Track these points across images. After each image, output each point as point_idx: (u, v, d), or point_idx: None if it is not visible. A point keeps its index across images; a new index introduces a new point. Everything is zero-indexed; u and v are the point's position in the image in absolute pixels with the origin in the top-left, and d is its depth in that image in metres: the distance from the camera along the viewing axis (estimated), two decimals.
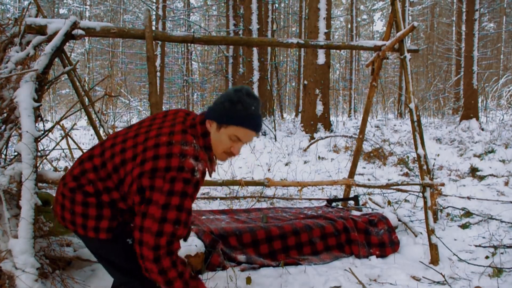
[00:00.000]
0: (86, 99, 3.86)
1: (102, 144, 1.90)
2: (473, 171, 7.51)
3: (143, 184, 1.69)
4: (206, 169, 1.79)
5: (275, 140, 11.06)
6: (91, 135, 11.44)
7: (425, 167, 3.92)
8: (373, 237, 3.83)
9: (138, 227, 1.67)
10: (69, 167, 6.70)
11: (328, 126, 11.57)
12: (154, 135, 1.76)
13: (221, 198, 5.71)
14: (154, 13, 17.63)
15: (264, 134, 12.20)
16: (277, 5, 21.20)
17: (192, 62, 26.18)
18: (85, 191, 1.81)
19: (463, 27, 15.55)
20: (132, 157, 1.75)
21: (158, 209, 1.63)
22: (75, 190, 1.82)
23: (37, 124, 2.81)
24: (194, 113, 1.96)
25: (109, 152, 1.82)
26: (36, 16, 3.33)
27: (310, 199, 5.69)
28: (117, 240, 1.85)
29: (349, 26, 29.64)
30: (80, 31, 3.05)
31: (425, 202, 3.83)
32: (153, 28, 13.42)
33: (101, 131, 4.09)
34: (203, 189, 6.27)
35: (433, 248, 3.61)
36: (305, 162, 8.65)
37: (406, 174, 7.53)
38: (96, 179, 1.81)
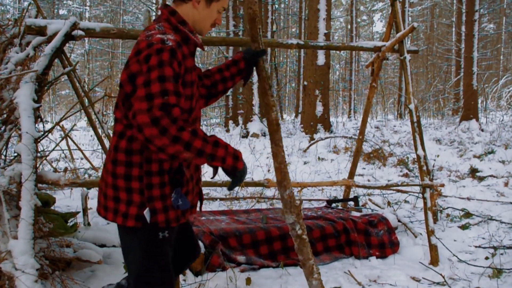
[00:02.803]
0: (86, 100, 3.86)
1: None
2: (473, 172, 7.51)
3: (122, 81, 1.67)
4: (193, 41, 1.81)
5: None
6: (91, 136, 11.44)
7: (425, 168, 3.92)
8: (373, 238, 3.83)
9: (132, 116, 1.59)
10: (69, 168, 6.70)
11: (328, 127, 11.57)
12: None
13: (221, 199, 5.71)
14: (153, 13, 17.65)
15: (264, 135, 12.21)
16: (276, 6, 21.20)
17: None
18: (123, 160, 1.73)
19: (463, 28, 15.56)
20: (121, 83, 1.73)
21: (141, 89, 1.57)
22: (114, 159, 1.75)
23: (37, 125, 2.81)
24: (161, 16, 1.85)
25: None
26: (36, 17, 3.33)
27: (310, 200, 5.69)
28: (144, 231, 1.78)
29: (349, 27, 29.67)
30: (80, 32, 3.05)
31: (425, 203, 3.83)
32: None
33: (100, 132, 4.09)
34: (203, 190, 6.25)
35: (433, 249, 3.61)
36: (305, 163, 8.65)
37: (406, 175, 7.53)
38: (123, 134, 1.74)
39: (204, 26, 1.90)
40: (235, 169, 1.77)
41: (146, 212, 1.73)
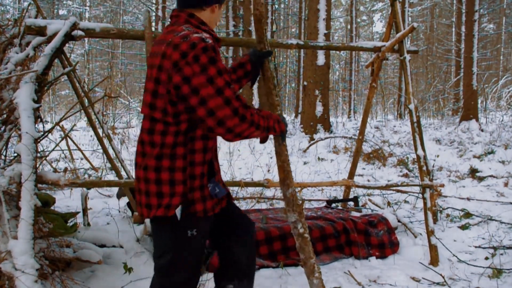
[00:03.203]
0: (86, 100, 3.86)
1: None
2: (473, 172, 7.51)
3: (177, 84, 1.74)
4: (217, 38, 1.97)
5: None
6: (91, 136, 11.43)
7: (424, 168, 3.92)
8: (372, 238, 3.83)
9: (207, 114, 1.73)
10: (69, 168, 6.70)
11: (327, 127, 11.57)
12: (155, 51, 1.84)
13: None
14: (153, 14, 17.65)
15: None
16: (276, 6, 21.21)
17: None
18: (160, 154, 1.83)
19: (463, 28, 15.57)
20: (154, 81, 1.82)
21: (207, 87, 1.71)
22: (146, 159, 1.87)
23: (36, 125, 2.81)
24: (179, 19, 1.94)
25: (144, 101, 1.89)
26: (36, 17, 3.33)
27: (309, 200, 5.69)
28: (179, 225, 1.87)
29: (349, 27, 29.67)
30: (80, 32, 3.05)
31: (425, 203, 3.83)
32: (153, 29, 13.43)
33: (100, 132, 4.09)
34: None
35: (433, 249, 3.61)
36: (304, 163, 8.65)
37: (406, 175, 7.53)
38: (155, 133, 1.84)
39: (213, 26, 2.03)
40: (283, 131, 2.08)
41: (178, 210, 1.83)
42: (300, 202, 2.38)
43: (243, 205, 5.47)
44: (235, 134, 1.79)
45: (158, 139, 1.83)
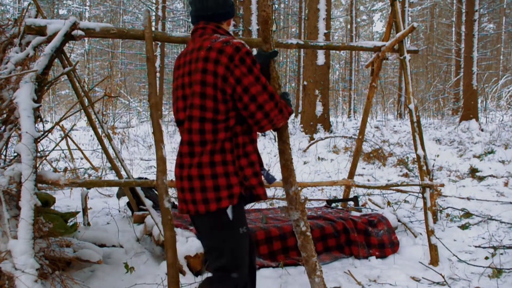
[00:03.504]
0: (86, 100, 3.86)
1: (177, 111, 2.09)
2: (473, 171, 7.51)
3: (232, 85, 1.94)
4: None
5: (275, 141, 11.06)
6: (91, 135, 11.44)
7: (424, 167, 3.92)
8: (372, 238, 3.84)
9: (257, 108, 1.97)
10: (69, 168, 6.70)
11: (327, 127, 11.57)
12: (197, 57, 1.99)
13: None
14: (153, 13, 17.64)
15: (264, 135, 12.20)
16: (276, 6, 21.21)
17: None
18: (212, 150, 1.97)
19: (463, 28, 15.56)
20: (200, 83, 1.96)
21: (256, 85, 1.95)
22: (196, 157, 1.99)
23: (36, 125, 2.81)
24: (207, 30, 2.11)
25: (183, 106, 2.05)
26: (36, 16, 3.33)
27: (309, 200, 5.69)
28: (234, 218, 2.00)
29: (349, 26, 29.66)
30: (80, 32, 3.05)
31: (425, 203, 3.83)
32: (153, 28, 13.41)
33: (100, 132, 4.09)
34: None
35: (433, 248, 3.61)
36: (304, 163, 8.65)
37: (406, 175, 7.53)
38: (201, 132, 1.98)
39: None
40: (291, 113, 2.19)
41: (229, 210, 1.98)
42: (303, 200, 2.40)
43: None
44: (273, 124, 2.05)
45: (210, 137, 1.97)
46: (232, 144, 2.01)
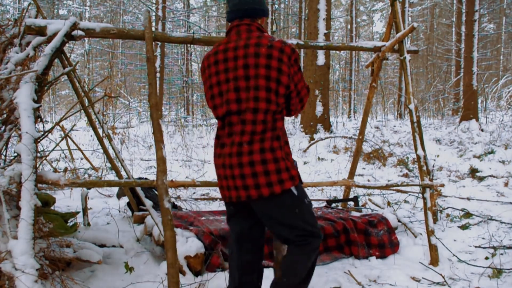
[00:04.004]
0: (86, 100, 3.86)
1: (220, 106, 2.24)
2: (473, 172, 7.51)
3: (290, 79, 2.20)
4: None
5: None
6: (91, 136, 11.43)
7: (424, 168, 3.92)
8: (372, 238, 3.83)
9: (302, 99, 2.32)
10: (69, 168, 6.70)
11: (327, 127, 11.56)
12: (253, 53, 2.16)
13: (221, 199, 5.71)
14: (153, 14, 17.64)
15: None
16: (276, 6, 21.21)
17: (192, 63, 26.18)
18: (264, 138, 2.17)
19: (463, 28, 15.55)
20: (254, 77, 2.15)
21: (302, 81, 2.29)
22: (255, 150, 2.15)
23: (36, 125, 2.81)
24: (252, 26, 2.27)
25: (235, 98, 2.18)
26: (36, 17, 3.33)
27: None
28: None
29: (349, 27, 29.65)
30: (80, 32, 3.05)
31: (425, 203, 3.83)
32: (153, 29, 13.40)
33: (100, 132, 4.09)
34: (203, 190, 6.27)
35: (433, 249, 3.61)
36: (304, 163, 8.65)
37: (406, 175, 7.53)
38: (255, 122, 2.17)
39: None
40: None
41: (293, 188, 2.19)
42: None
43: None
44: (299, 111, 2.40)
45: (271, 126, 2.18)
46: (281, 131, 2.25)
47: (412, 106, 3.99)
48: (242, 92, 2.15)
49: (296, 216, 2.20)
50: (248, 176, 2.12)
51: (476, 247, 4.00)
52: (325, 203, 5.04)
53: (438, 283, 3.21)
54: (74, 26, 3.02)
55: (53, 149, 3.93)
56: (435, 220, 4.72)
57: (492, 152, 8.77)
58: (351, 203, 4.99)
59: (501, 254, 3.73)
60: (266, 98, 2.14)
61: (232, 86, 2.17)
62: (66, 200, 5.36)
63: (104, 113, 9.58)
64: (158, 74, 17.12)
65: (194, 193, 6.11)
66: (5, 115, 2.95)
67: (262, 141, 2.14)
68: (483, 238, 4.24)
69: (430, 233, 3.67)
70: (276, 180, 2.12)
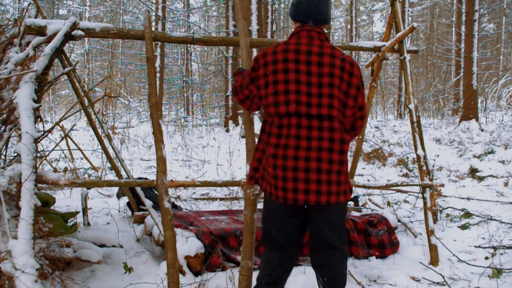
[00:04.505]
0: (86, 100, 3.86)
1: (296, 114, 2.22)
2: (473, 172, 7.51)
3: (360, 94, 2.32)
4: None
5: None
6: (91, 135, 11.42)
7: (424, 167, 3.92)
8: (372, 238, 3.83)
9: (360, 108, 2.36)
10: (69, 168, 6.69)
11: None
12: (328, 62, 2.24)
13: (221, 199, 5.71)
14: (153, 14, 17.63)
15: None
16: (276, 6, 21.21)
17: (192, 63, 26.17)
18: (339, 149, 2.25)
19: (463, 28, 15.55)
20: (329, 86, 2.23)
21: (363, 93, 2.34)
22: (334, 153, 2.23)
23: (36, 125, 2.81)
24: (322, 35, 2.33)
25: (306, 101, 2.21)
26: (36, 17, 3.33)
27: None
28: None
29: (349, 26, 29.65)
30: (80, 32, 3.05)
31: (425, 203, 3.83)
32: (153, 29, 13.39)
33: (100, 132, 4.09)
34: (202, 190, 6.27)
35: (433, 248, 3.61)
36: None
37: (406, 175, 7.53)
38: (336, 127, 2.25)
39: None
40: None
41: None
42: None
43: (243, 205, 5.47)
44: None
45: (342, 136, 2.25)
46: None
47: (412, 106, 3.99)
48: (314, 98, 2.19)
49: (343, 224, 2.40)
50: (324, 182, 2.18)
51: (476, 247, 4.00)
52: None
53: (438, 283, 3.21)
54: (74, 26, 3.02)
55: (53, 149, 3.93)
56: (435, 220, 4.72)
57: (492, 152, 8.77)
58: (351, 203, 4.99)
59: (501, 254, 3.73)
60: (338, 108, 2.23)
61: (304, 90, 2.19)
62: (66, 200, 5.36)
63: (104, 113, 9.58)
64: (158, 74, 17.12)
65: (194, 193, 6.11)
66: (5, 115, 2.95)
67: (340, 152, 2.23)
68: (483, 238, 4.24)
69: (430, 233, 3.66)
70: (342, 190, 2.25)
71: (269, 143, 2.25)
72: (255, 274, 3.27)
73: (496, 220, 4.72)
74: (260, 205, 5.04)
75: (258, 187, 2.58)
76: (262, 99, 2.28)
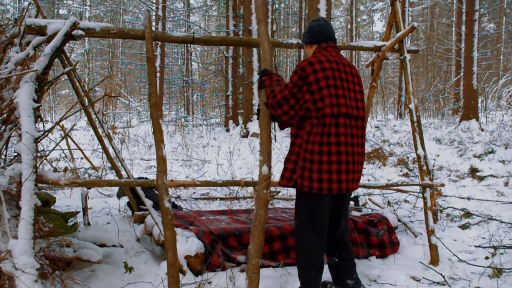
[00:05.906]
0: (86, 100, 3.86)
1: (343, 117, 2.61)
2: (473, 171, 7.51)
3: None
4: None
5: (275, 140, 11.06)
6: (91, 135, 11.44)
7: (425, 167, 3.92)
8: (372, 238, 3.83)
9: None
10: (69, 168, 6.69)
11: None
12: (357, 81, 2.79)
13: (221, 199, 5.71)
14: (154, 13, 17.63)
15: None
16: (277, 6, 21.20)
17: (192, 62, 26.16)
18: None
19: (463, 28, 15.54)
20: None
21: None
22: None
23: (37, 125, 2.81)
24: (336, 48, 2.82)
25: (355, 105, 2.69)
26: (36, 16, 3.33)
27: None
28: None
29: (349, 26, 29.65)
30: (80, 32, 3.05)
31: (425, 203, 3.83)
32: (153, 28, 13.39)
33: (100, 132, 4.09)
34: (203, 190, 6.27)
35: (433, 248, 3.61)
36: None
37: (406, 175, 7.53)
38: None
39: None
40: None
41: None
42: None
43: (243, 205, 5.47)
44: None
45: (364, 133, 2.79)
46: None
47: (412, 106, 3.99)
48: (359, 102, 2.70)
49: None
50: (359, 172, 2.73)
51: (476, 246, 4.00)
52: None
53: (438, 283, 3.21)
54: (74, 26, 3.02)
55: (53, 149, 3.92)
56: (435, 220, 4.72)
57: (492, 151, 8.76)
58: (351, 202, 4.99)
59: (501, 253, 3.72)
60: (362, 107, 2.73)
61: (352, 95, 2.66)
62: (66, 200, 5.37)
63: (104, 112, 9.58)
64: (158, 74, 17.12)
65: (194, 192, 6.11)
66: (5, 115, 2.95)
67: (363, 146, 2.77)
68: (483, 238, 4.24)
69: (430, 232, 3.66)
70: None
71: (314, 141, 2.55)
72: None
73: (496, 220, 4.72)
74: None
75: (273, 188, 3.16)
76: (316, 102, 2.55)
